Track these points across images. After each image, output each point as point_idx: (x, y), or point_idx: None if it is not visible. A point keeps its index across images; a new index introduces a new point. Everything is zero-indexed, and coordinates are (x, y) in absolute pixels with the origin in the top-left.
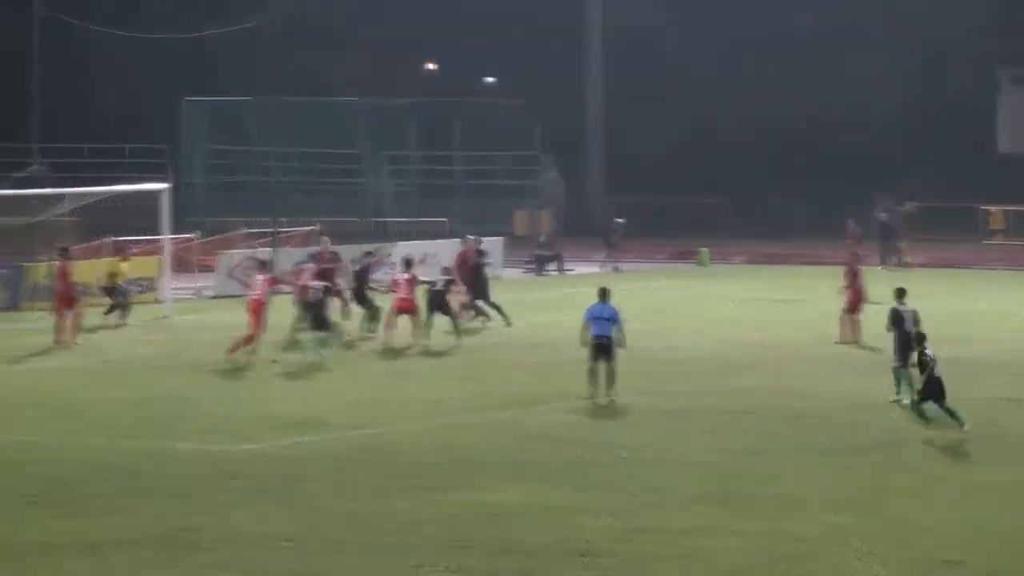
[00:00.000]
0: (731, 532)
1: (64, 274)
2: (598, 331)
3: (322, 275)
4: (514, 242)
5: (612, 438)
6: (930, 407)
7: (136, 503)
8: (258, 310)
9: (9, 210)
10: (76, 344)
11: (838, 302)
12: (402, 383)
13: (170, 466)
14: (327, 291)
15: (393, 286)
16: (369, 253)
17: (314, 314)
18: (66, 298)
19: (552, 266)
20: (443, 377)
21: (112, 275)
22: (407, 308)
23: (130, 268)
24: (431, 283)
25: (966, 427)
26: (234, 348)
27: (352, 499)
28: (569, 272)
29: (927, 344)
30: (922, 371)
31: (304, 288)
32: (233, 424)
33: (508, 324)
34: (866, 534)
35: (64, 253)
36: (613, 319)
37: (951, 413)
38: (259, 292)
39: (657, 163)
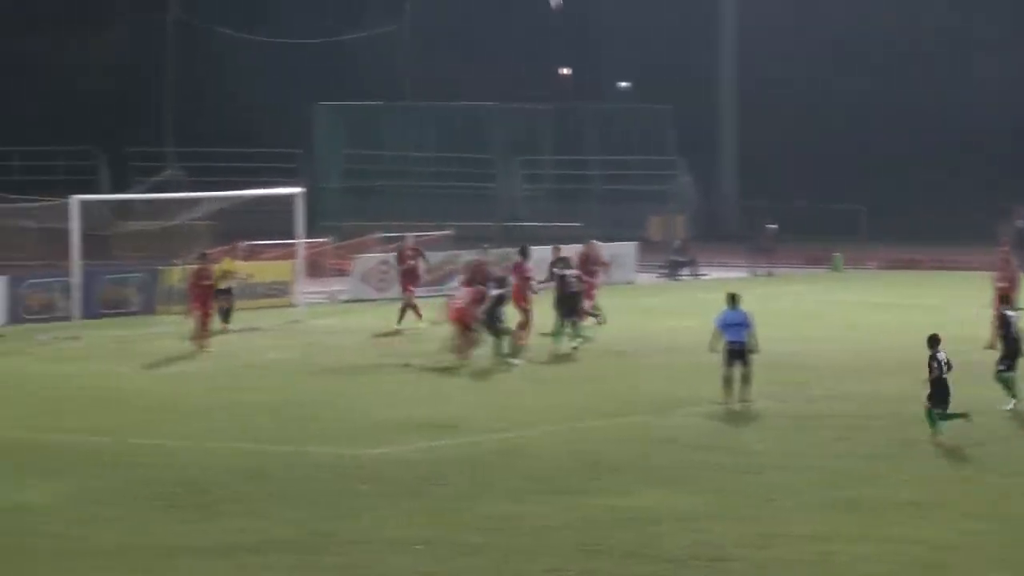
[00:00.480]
0: (864, 538)
1: (200, 277)
2: (733, 337)
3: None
4: (647, 247)
5: (745, 443)
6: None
7: (269, 506)
8: (462, 319)
9: (145, 214)
10: (210, 348)
11: (985, 307)
12: (535, 387)
13: (303, 469)
14: (500, 299)
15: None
16: (485, 247)
17: (488, 320)
18: (201, 301)
19: (686, 271)
20: (576, 380)
21: (224, 276)
22: (515, 298)
23: (245, 268)
24: (561, 276)
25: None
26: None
27: (486, 503)
28: (703, 277)
29: (940, 348)
30: (930, 374)
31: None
32: (366, 428)
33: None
34: (1002, 541)
35: (203, 257)
36: (746, 324)
37: (948, 417)
38: (462, 302)
39: (789, 167)
